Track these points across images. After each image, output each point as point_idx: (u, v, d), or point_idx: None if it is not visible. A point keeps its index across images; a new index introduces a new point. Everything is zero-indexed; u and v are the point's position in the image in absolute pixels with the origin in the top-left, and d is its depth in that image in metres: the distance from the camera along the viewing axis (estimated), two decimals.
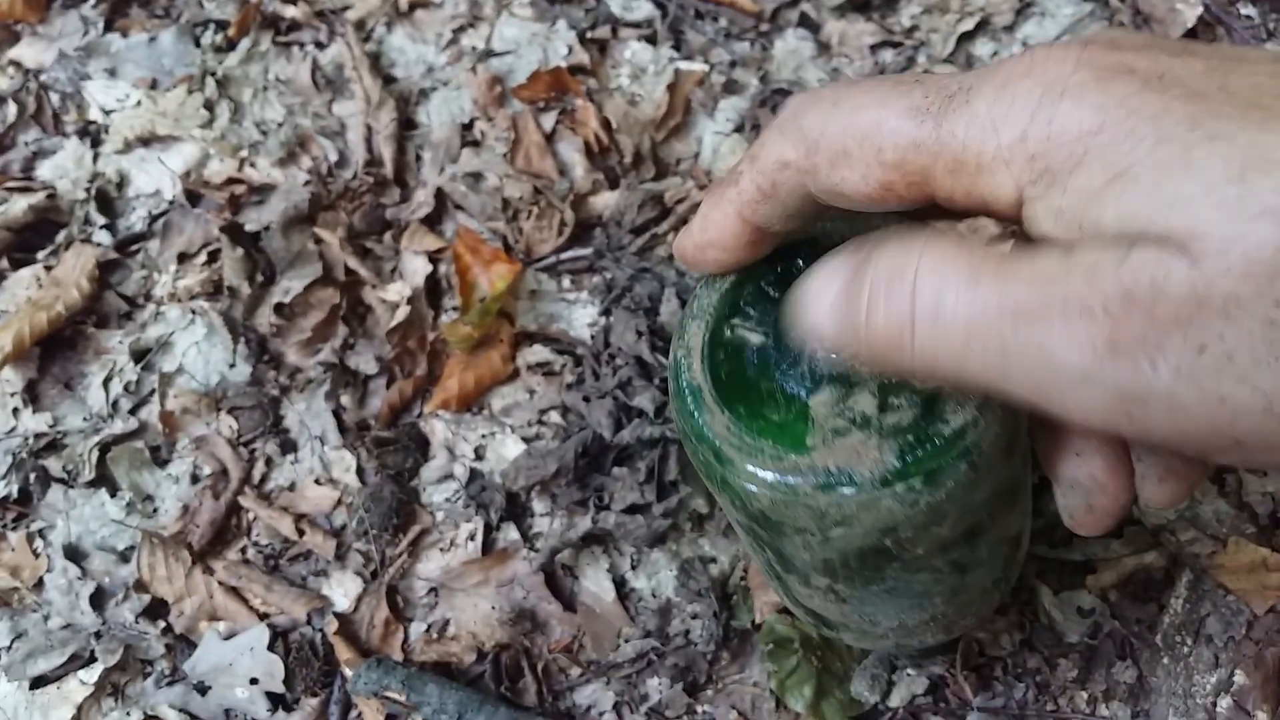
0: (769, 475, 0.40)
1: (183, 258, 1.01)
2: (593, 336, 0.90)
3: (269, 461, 0.91)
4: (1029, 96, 0.31)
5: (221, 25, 1.14)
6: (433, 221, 0.98)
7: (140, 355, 0.96)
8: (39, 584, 0.89)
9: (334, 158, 1.03)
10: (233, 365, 0.94)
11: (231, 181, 1.03)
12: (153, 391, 0.95)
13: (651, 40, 1.05)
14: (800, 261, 0.44)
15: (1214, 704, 0.71)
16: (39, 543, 0.92)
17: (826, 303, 0.35)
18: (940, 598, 0.50)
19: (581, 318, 0.92)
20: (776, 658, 0.74)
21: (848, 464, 0.39)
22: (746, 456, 0.40)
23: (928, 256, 0.31)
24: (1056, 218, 0.30)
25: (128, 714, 0.84)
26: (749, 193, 0.39)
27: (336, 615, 0.84)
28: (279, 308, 0.95)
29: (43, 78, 1.17)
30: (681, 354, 0.44)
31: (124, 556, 0.90)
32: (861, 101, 0.35)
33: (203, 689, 0.84)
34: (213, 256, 1.00)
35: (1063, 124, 0.30)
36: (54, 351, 0.99)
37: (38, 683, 0.86)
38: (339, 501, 0.88)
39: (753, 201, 0.39)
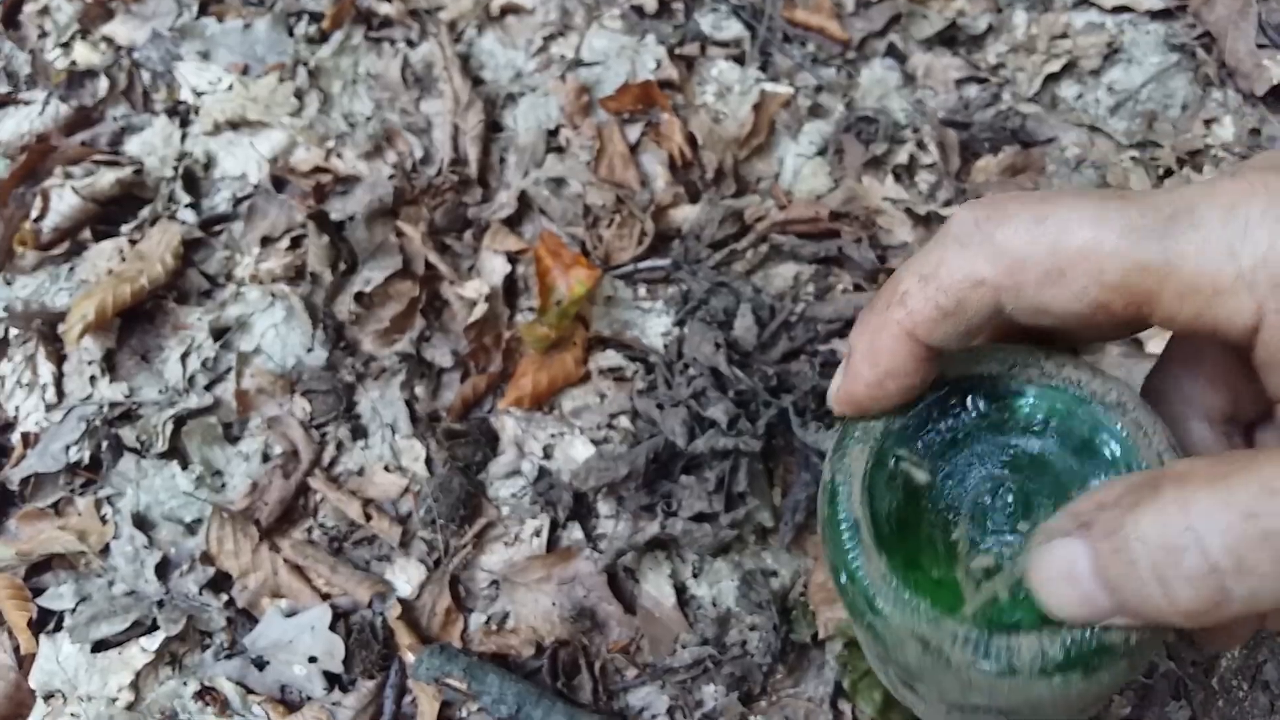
0: (923, 638, 0.37)
1: (265, 241, 1.03)
2: (666, 346, 0.92)
3: (340, 446, 0.92)
4: (1264, 218, 0.31)
5: (315, 17, 1.16)
6: (514, 223, 1.00)
7: (219, 333, 0.98)
8: (105, 550, 0.91)
9: (419, 154, 1.05)
10: (310, 349, 0.96)
11: (317, 170, 1.05)
12: (229, 369, 0.96)
13: (739, 60, 1.07)
14: (969, 397, 0.41)
15: None
16: (107, 509, 0.93)
17: (1086, 601, 0.34)
18: None
19: (655, 326, 0.94)
20: (852, 658, 0.75)
21: (1008, 647, 0.36)
22: (901, 612, 0.38)
23: (1197, 514, 0.30)
24: None
25: (184, 683, 0.85)
26: (925, 313, 0.37)
27: (399, 600, 0.85)
28: (359, 296, 0.96)
29: (135, 55, 1.19)
30: (840, 479, 0.40)
31: (190, 529, 0.91)
32: (1073, 218, 0.33)
33: (261, 664, 0.85)
34: (295, 242, 1.02)
35: None
36: (133, 324, 1.01)
37: (99, 646, 0.87)
38: (406, 489, 0.90)
39: (930, 321, 0.37)
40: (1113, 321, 0.34)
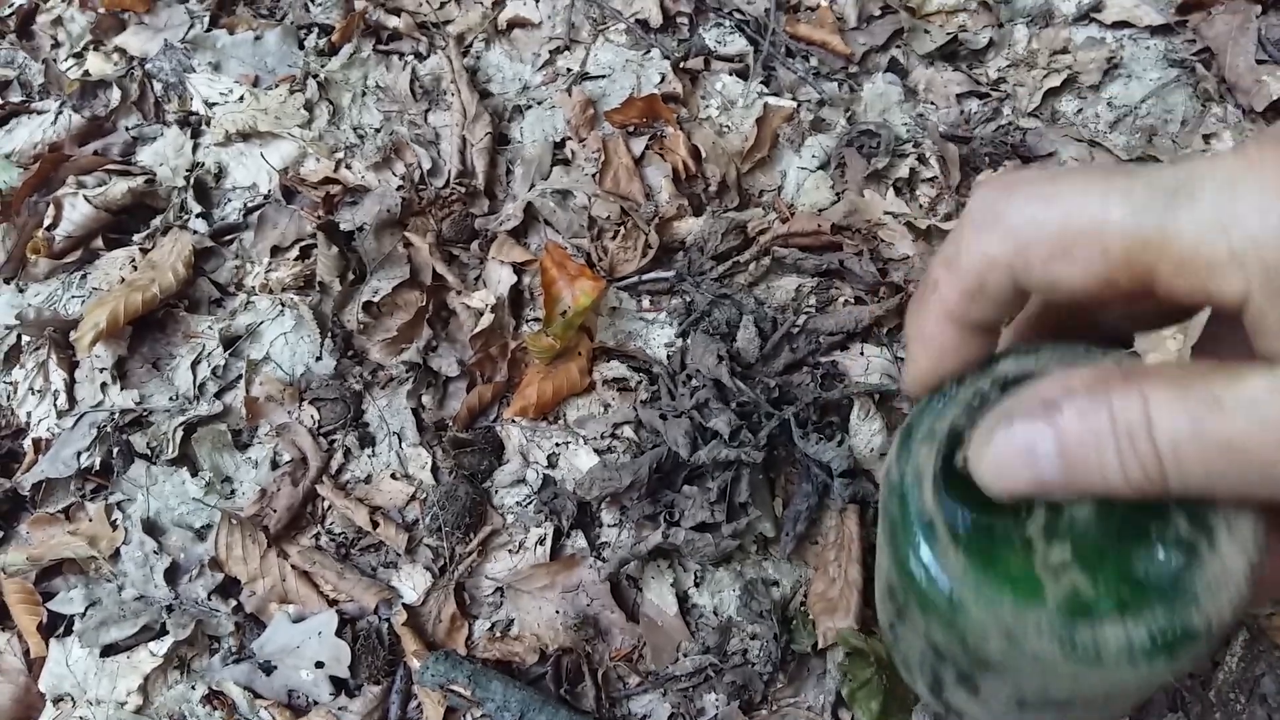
0: (1008, 632, 0.38)
1: (275, 251, 1.04)
2: (669, 357, 0.93)
3: (347, 453, 0.93)
4: (1258, 199, 0.31)
5: (325, 30, 1.18)
6: (520, 234, 1.01)
7: (229, 342, 0.99)
8: (115, 555, 0.92)
9: (427, 165, 1.07)
10: (319, 358, 0.97)
11: (327, 181, 1.06)
12: (239, 377, 0.98)
13: (743, 74, 1.08)
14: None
15: None
16: (117, 515, 0.94)
17: (1046, 462, 0.35)
18: None
19: (659, 337, 0.95)
20: (853, 666, 0.76)
21: (1094, 637, 0.36)
22: (984, 607, 0.38)
23: (1154, 402, 0.33)
24: None
25: (193, 687, 0.87)
26: (952, 299, 0.39)
27: (405, 607, 0.86)
28: (367, 306, 0.98)
29: (147, 66, 1.21)
30: (910, 479, 0.41)
31: (200, 534, 0.92)
32: (1079, 195, 0.34)
33: (268, 668, 0.86)
34: (304, 252, 1.03)
35: None
36: (145, 332, 1.02)
37: (108, 651, 0.89)
38: (413, 497, 0.91)
39: (961, 304, 0.38)
40: (1122, 298, 0.35)
